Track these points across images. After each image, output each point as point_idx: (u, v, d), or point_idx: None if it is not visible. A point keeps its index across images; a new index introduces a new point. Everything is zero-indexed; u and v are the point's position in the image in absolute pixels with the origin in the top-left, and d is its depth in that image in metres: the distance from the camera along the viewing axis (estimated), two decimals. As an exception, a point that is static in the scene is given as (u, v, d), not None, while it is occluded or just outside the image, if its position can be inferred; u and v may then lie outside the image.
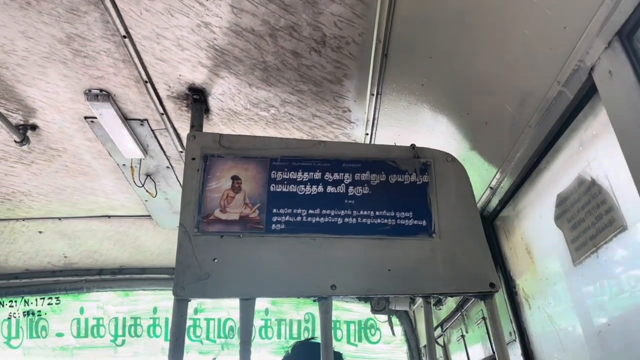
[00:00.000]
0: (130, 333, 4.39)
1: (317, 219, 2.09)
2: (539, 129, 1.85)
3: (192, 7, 1.95)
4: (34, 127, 2.70)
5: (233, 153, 2.18)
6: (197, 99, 2.45)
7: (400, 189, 2.16)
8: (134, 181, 3.17)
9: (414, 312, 4.28)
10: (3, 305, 4.32)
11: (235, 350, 1.81)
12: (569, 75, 1.58)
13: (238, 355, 1.89)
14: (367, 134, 2.66)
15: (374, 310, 3.97)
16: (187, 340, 4.31)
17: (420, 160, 2.21)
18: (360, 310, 4.43)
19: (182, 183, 2.18)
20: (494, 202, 2.46)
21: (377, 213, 2.11)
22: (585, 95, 1.59)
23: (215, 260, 1.98)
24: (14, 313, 4.30)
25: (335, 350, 2.75)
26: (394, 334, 4.15)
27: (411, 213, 2.12)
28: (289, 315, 4.44)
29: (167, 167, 3.12)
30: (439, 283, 2.01)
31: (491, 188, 2.38)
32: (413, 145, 2.24)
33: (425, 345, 2.05)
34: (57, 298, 4.35)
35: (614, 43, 1.37)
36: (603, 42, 1.40)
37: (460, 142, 2.37)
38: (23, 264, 4.18)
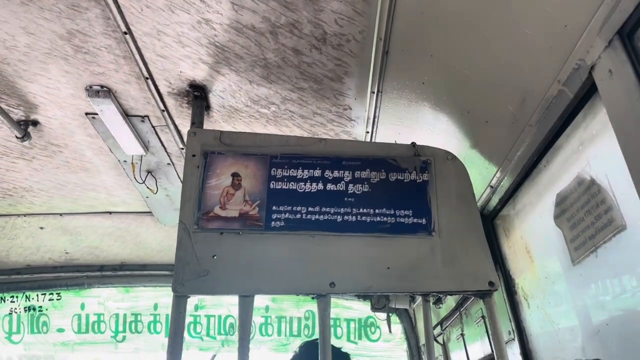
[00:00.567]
0: (130, 329, 4.40)
1: (317, 216, 2.09)
2: (539, 127, 1.85)
3: (193, 3, 1.95)
4: (35, 123, 2.70)
5: (233, 150, 2.18)
6: (197, 96, 2.45)
7: (400, 187, 2.16)
8: (135, 178, 3.18)
9: (414, 310, 4.28)
10: (4, 301, 4.33)
11: (235, 347, 1.82)
12: (570, 74, 1.57)
13: (237, 352, 1.90)
14: (367, 132, 2.66)
15: (374, 308, 3.97)
16: (187, 337, 4.36)
17: (421, 158, 2.21)
18: (361, 308, 4.44)
19: (182, 180, 2.18)
20: (494, 200, 2.46)
21: (376, 211, 2.11)
22: (586, 95, 1.58)
23: (215, 257, 1.98)
24: (15, 308, 4.32)
25: (343, 351, 2.76)
26: (390, 332, 4.16)
27: (411, 211, 2.12)
28: (289, 312, 4.45)
29: (168, 163, 3.13)
30: (438, 281, 2.01)
31: (491, 187, 2.38)
32: (413, 144, 2.24)
33: (424, 344, 2.06)
34: (58, 294, 4.36)
35: (614, 42, 1.36)
36: (603, 41, 1.39)
37: (461, 140, 2.36)
38: (24, 259, 4.19)
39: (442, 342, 3.66)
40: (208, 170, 2.13)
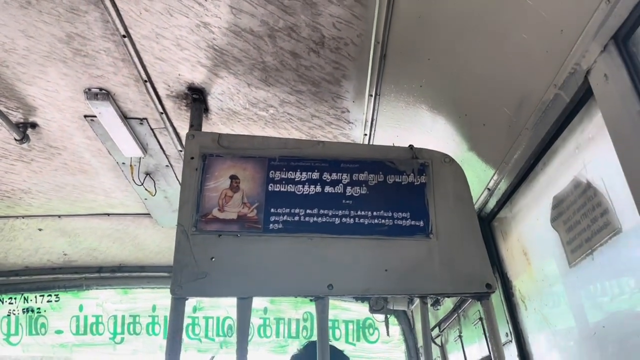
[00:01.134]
0: (129, 331, 4.40)
1: (315, 218, 2.10)
2: (535, 131, 1.86)
3: (192, 7, 1.96)
4: (34, 125, 2.71)
5: (232, 152, 2.18)
6: (196, 99, 2.46)
7: (398, 189, 2.17)
8: (134, 180, 3.18)
9: (412, 312, 4.29)
10: (3, 302, 4.33)
11: (234, 348, 1.83)
12: (565, 78, 1.59)
13: (235, 354, 1.90)
14: (365, 135, 2.67)
15: (372, 310, 3.97)
16: (185, 339, 4.36)
17: (418, 161, 2.22)
18: (359, 310, 4.44)
19: (180, 182, 2.18)
20: (491, 203, 2.47)
21: (374, 213, 2.12)
22: (582, 99, 1.60)
23: (213, 259, 1.99)
24: (14, 310, 4.32)
25: (345, 353, 2.76)
26: (388, 334, 4.16)
27: (409, 213, 2.12)
28: (287, 314, 4.45)
29: (167, 165, 3.13)
30: (436, 283, 2.02)
31: (488, 189, 2.39)
32: (411, 146, 2.25)
33: (422, 346, 2.07)
34: (56, 295, 4.36)
35: (609, 47, 1.38)
36: (599, 45, 1.40)
37: (459, 143, 2.38)
38: (23, 261, 4.19)
39: (440, 344, 3.67)
40: (206, 172, 2.14)
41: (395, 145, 2.38)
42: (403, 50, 2.08)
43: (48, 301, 4.35)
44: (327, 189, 2.15)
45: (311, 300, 2.03)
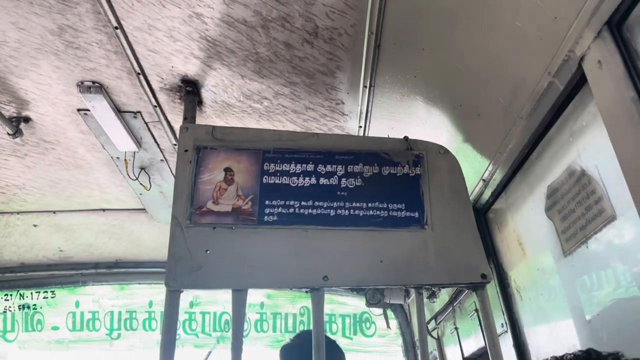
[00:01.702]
0: (125, 327, 4.39)
1: (310, 210, 2.09)
2: (530, 120, 1.86)
3: (184, -3, 1.95)
4: (27, 120, 2.69)
5: (226, 145, 2.17)
6: (190, 91, 2.45)
7: (393, 180, 2.17)
8: (128, 174, 3.17)
9: (408, 305, 4.29)
10: (-2, 299, 4.31)
11: (230, 343, 1.83)
12: (559, 65, 1.58)
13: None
14: (360, 127, 2.66)
15: (369, 304, 3.97)
16: (182, 334, 4.35)
17: (413, 152, 2.21)
18: (355, 304, 4.44)
19: (174, 175, 2.18)
20: (487, 194, 2.46)
21: (369, 205, 2.11)
22: (576, 86, 1.59)
23: (208, 252, 1.98)
24: (9, 307, 4.30)
25: (337, 343, 2.75)
26: (389, 326, 4.16)
27: (404, 205, 2.12)
28: (284, 308, 4.45)
29: (161, 159, 3.12)
30: (431, 274, 2.02)
31: (483, 180, 2.39)
32: (406, 138, 2.24)
33: (419, 339, 2.07)
34: (52, 292, 4.34)
35: (603, 33, 1.37)
36: (592, 31, 1.40)
37: (453, 134, 2.37)
38: (18, 257, 4.17)
39: (436, 337, 3.67)
40: (200, 165, 2.13)
41: (390, 136, 2.37)
42: (397, 41, 2.07)
43: (44, 297, 4.33)
44: (322, 180, 2.15)
45: (307, 292, 2.02)
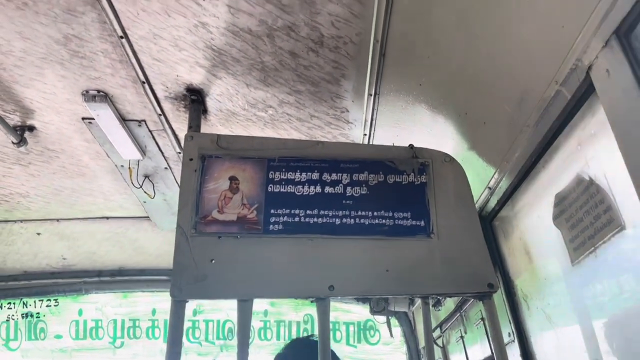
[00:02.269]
0: (129, 335, 4.38)
1: (315, 219, 2.08)
2: (537, 128, 1.85)
3: (189, 7, 1.95)
4: (31, 129, 2.69)
5: (231, 154, 2.17)
6: (194, 100, 2.45)
7: (399, 189, 2.16)
8: (132, 182, 3.17)
9: (413, 313, 4.27)
10: (1, 307, 4.30)
11: (234, 352, 1.82)
12: (567, 74, 1.57)
13: (236, 357, 1.88)
14: (365, 135, 2.66)
15: (373, 312, 3.96)
16: (186, 342, 4.33)
17: (419, 160, 2.20)
18: (360, 312, 4.42)
19: (179, 184, 2.17)
20: (492, 202, 2.45)
21: (375, 213, 2.10)
22: (583, 95, 1.58)
23: (213, 261, 1.97)
24: (13, 315, 4.29)
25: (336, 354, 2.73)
26: (392, 335, 4.14)
27: (409, 213, 2.11)
28: (288, 316, 4.43)
29: (165, 168, 3.12)
30: (437, 283, 2.01)
31: (489, 188, 2.38)
32: (411, 146, 2.23)
33: (424, 347, 2.05)
34: (55, 300, 4.33)
35: (611, 42, 1.36)
36: (601, 40, 1.39)
37: (459, 142, 2.36)
38: (21, 265, 4.17)
39: (441, 345, 3.65)
40: (205, 174, 2.12)
41: (395, 144, 2.37)
42: (402, 49, 2.07)
43: (47, 306, 4.32)
44: (327, 189, 2.14)
45: (312, 301, 2.01)
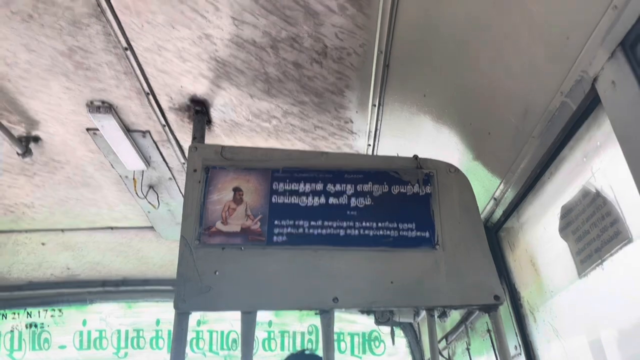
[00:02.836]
0: (133, 345, 4.36)
1: (319, 230, 2.07)
2: (542, 139, 1.84)
3: (194, 19, 1.96)
4: (36, 139, 2.70)
5: (235, 164, 2.17)
6: (199, 111, 2.45)
7: (403, 200, 2.15)
8: (137, 193, 3.17)
9: (418, 324, 4.24)
10: (6, 318, 4.30)
11: (238, 363, 1.81)
12: (572, 85, 1.56)
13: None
14: (369, 145, 2.65)
15: (378, 322, 3.93)
16: (189, 353, 4.31)
17: (423, 171, 2.19)
18: (365, 322, 4.39)
19: (183, 194, 2.17)
20: (498, 213, 2.44)
21: (379, 224, 2.09)
22: (589, 106, 1.57)
23: (217, 273, 1.96)
24: (17, 325, 4.28)
25: None
26: (393, 343, 4.11)
27: (414, 224, 2.10)
28: (292, 327, 4.40)
29: (170, 178, 3.12)
30: (443, 295, 1.99)
31: (495, 199, 2.36)
32: (416, 156, 2.22)
33: (429, 358, 2.03)
34: (59, 310, 4.32)
35: (617, 53, 1.35)
36: (606, 52, 1.38)
37: (463, 152, 2.35)
38: (26, 275, 4.17)
39: (447, 357, 3.61)
40: (209, 185, 2.12)
41: (399, 155, 2.36)
42: (406, 60, 2.07)
43: (51, 316, 4.31)
44: (331, 200, 2.13)
45: (316, 313, 1.99)
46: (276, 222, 2.06)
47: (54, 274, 4.18)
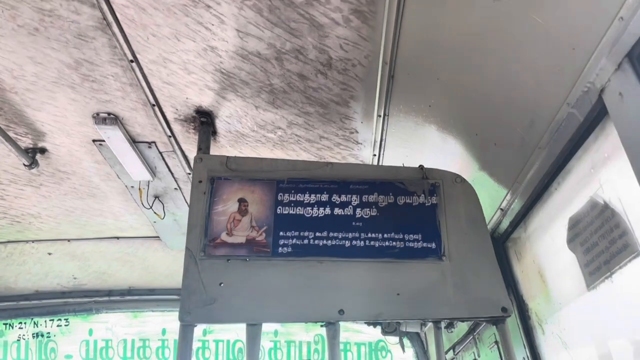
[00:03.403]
0: (139, 355, 4.35)
1: (325, 241, 2.06)
2: (549, 150, 1.82)
3: (199, 31, 1.96)
4: (43, 151, 2.71)
5: (240, 175, 2.16)
6: (204, 122, 2.45)
7: (409, 210, 2.13)
8: (142, 203, 3.17)
9: (425, 334, 4.21)
10: (12, 327, 4.31)
11: (243, 374, 1.80)
12: (579, 96, 1.55)
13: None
14: (374, 155, 2.64)
15: (385, 332, 3.89)
16: (195, 363, 4.27)
17: (429, 181, 2.18)
18: (371, 332, 4.36)
19: (189, 205, 2.16)
20: (505, 223, 2.42)
21: (385, 235, 2.08)
22: (596, 117, 1.56)
23: (222, 285, 1.96)
24: (23, 335, 4.29)
25: None
26: (404, 351, 4.07)
27: (420, 235, 2.08)
28: (298, 336, 4.39)
29: (175, 188, 3.12)
30: (450, 308, 1.97)
31: (501, 209, 2.34)
32: (421, 166, 2.21)
33: (437, 369, 2.01)
34: (66, 320, 4.33)
35: (624, 65, 1.34)
36: (613, 63, 1.37)
37: (469, 163, 2.34)
38: (33, 285, 4.18)
39: (455, 367, 3.58)
40: (214, 196, 2.12)
41: (405, 165, 2.35)
42: (411, 71, 2.06)
43: (58, 326, 4.32)
44: (337, 211, 2.12)
45: (322, 325, 1.98)
46: (281, 233, 2.06)
47: (61, 283, 4.19)
